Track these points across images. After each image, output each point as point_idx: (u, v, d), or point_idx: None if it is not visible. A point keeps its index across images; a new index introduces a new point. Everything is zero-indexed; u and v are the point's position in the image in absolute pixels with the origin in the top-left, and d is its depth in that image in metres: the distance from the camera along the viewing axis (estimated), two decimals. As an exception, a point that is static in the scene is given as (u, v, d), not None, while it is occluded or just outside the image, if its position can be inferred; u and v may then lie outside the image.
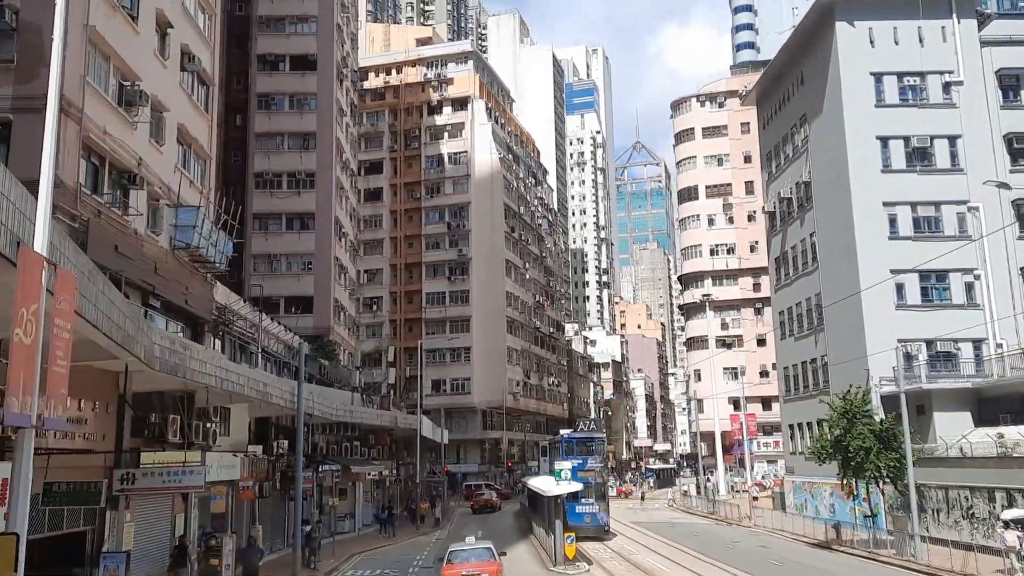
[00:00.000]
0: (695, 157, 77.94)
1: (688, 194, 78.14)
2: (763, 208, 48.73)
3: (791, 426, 46.17)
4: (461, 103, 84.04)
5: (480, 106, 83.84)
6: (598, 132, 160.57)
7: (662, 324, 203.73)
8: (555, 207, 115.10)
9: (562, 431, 41.15)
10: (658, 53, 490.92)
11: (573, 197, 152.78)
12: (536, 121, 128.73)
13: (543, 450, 51.08)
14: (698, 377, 75.50)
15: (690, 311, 77.94)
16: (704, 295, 62.27)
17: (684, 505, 56.00)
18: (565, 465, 27.01)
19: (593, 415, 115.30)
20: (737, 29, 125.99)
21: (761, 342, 74.42)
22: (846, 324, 38.05)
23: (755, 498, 55.58)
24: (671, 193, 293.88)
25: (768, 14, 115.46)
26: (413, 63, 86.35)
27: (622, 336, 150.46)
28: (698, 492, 58.29)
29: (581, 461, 35.33)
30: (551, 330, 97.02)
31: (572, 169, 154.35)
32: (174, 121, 26.34)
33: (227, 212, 30.13)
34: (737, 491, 61.60)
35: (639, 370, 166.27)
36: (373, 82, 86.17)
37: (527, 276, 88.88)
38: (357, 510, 40.76)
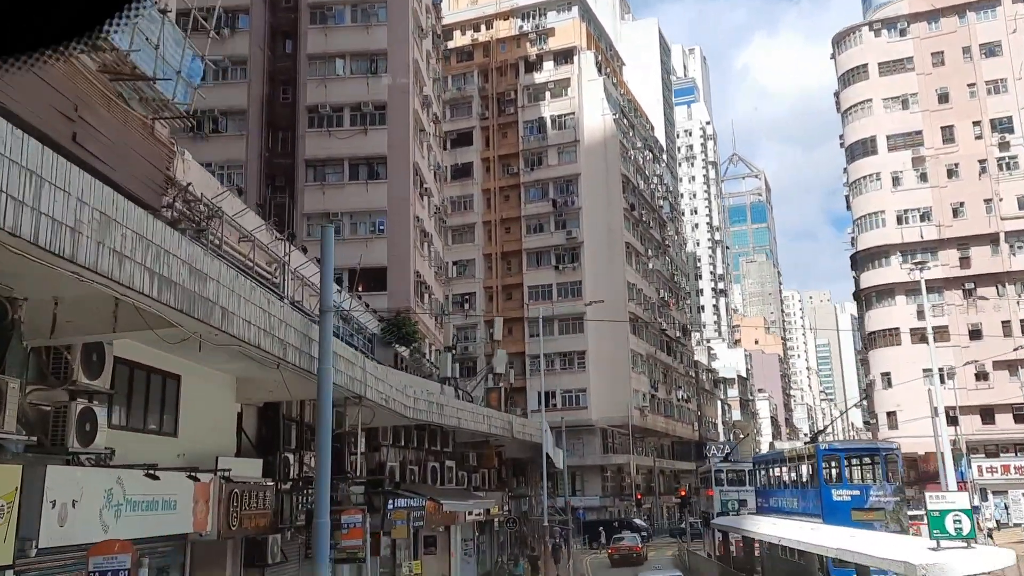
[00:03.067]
0: (870, 101, 60.79)
1: (863, 148, 60.92)
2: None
3: None
4: (565, 56, 69.33)
5: (588, 58, 68.97)
6: (708, 123, 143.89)
7: (783, 339, 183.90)
8: (675, 192, 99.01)
9: (776, 444, 25.05)
10: (745, 67, 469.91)
11: (683, 195, 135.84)
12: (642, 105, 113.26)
13: (721, 478, 34.71)
14: (888, 383, 57.69)
15: (873, 298, 60.38)
16: (917, 263, 45.05)
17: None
18: (961, 502, 11.13)
19: (723, 438, 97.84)
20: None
21: (975, 334, 56.48)
22: None
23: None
24: (771, 207, 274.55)
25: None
26: (506, 15, 72.29)
27: (746, 351, 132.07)
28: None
29: (859, 493, 19.30)
30: (677, 334, 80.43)
31: (681, 164, 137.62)
32: None
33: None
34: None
35: (760, 390, 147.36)
36: (459, 41, 72.47)
37: (650, 266, 72.88)
38: (454, 572, 25.54)
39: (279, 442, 16.03)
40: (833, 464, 19.76)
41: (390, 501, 21.20)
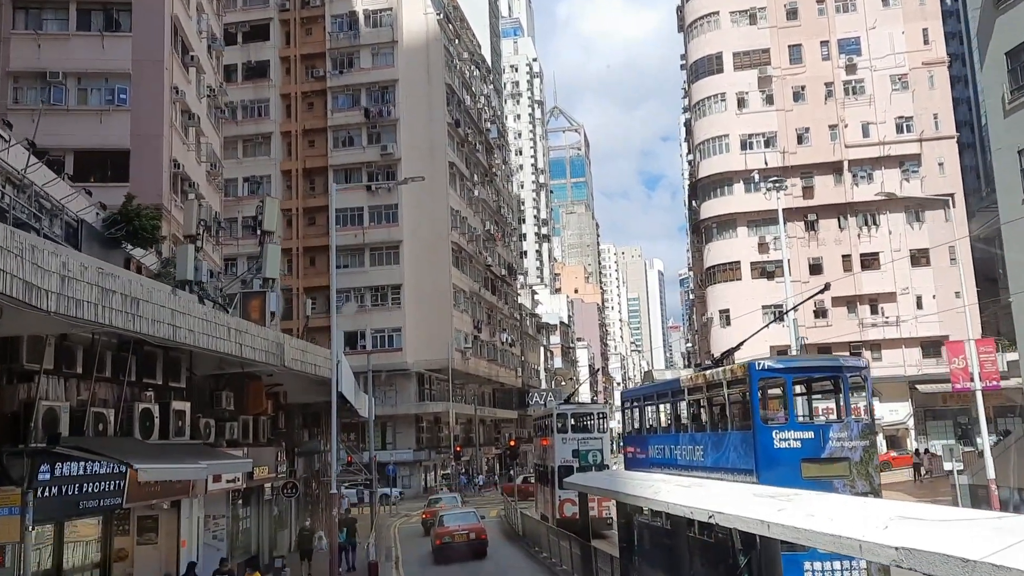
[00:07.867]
0: (717, 14, 55.65)
1: (707, 65, 55.82)
2: (979, -39, 26.75)
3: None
4: (382, -60, 59.33)
5: (410, -54, 59.35)
6: (534, 60, 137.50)
7: (601, 289, 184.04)
8: (502, 119, 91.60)
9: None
10: (568, 19, 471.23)
11: (508, 133, 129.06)
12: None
13: (565, 425, 27.59)
14: (727, 320, 53.69)
15: (713, 229, 55.97)
16: (774, 182, 40.17)
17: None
18: None
19: (544, 385, 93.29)
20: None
21: (815, 268, 53.43)
22: None
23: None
24: (590, 162, 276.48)
25: None
26: None
27: (568, 297, 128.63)
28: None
29: (812, 435, 12.50)
30: (503, 272, 73.69)
31: (506, 101, 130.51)
32: None
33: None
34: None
35: (579, 339, 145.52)
36: (255, -86, 60.45)
37: (475, 193, 65.19)
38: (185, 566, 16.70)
39: None
40: (773, 391, 12.91)
41: (42, 468, 12.14)
